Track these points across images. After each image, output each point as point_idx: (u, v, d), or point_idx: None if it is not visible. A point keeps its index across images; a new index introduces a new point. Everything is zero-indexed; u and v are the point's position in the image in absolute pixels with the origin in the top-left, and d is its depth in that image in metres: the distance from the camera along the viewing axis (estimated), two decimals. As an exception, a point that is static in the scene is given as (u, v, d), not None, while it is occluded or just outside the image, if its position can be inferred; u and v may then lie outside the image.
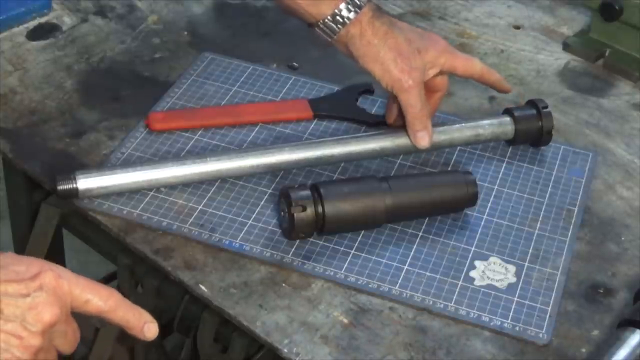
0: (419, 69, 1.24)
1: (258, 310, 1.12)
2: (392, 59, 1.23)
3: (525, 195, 1.28)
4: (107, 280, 1.57)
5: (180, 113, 1.36)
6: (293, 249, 1.19)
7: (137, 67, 1.45)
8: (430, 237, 1.22)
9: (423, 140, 1.27)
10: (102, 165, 1.28)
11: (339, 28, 1.23)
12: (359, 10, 1.22)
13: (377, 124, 1.36)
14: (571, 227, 1.25)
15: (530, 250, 1.21)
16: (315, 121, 1.37)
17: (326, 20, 1.23)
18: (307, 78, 1.44)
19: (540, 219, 1.25)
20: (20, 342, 0.89)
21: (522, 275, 1.18)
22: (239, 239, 1.19)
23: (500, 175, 1.31)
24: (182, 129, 1.33)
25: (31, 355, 0.90)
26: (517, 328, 1.12)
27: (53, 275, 0.92)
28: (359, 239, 1.20)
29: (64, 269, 0.95)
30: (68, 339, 0.95)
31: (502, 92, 1.36)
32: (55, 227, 1.31)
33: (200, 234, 1.20)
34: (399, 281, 1.16)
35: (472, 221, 1.24)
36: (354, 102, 1.40)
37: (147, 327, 0.97)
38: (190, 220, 1.21)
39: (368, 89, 1.41)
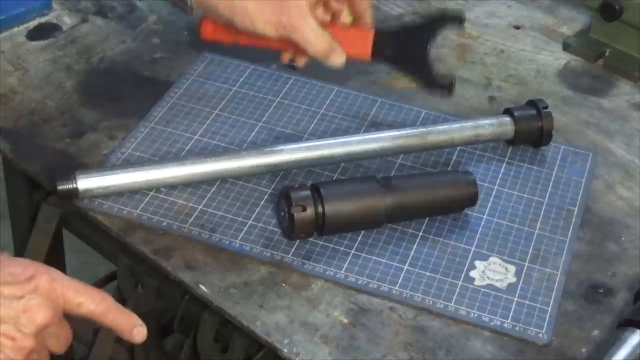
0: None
1: (258, 310, 1.12)
2: (262, 8, 1.17)
3: (525, 195, 1.28)
4: (107, 280, 1.58)
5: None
6: (293, 249, 1.19)
7: (137, 67, 1.45)
8: (430, 237, 1.22)
9: (336, 62, 1.22)
10: (102, 165, 1.28)
11: None
12: None
13: (438, 87, 1.25)
14: (571, 227, 1.25)
15: (530, 250, 1.21)
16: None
17: None
18: (307, 78, 1.44)
19: (540, 219, 1.25)
20: (14, 343, 0.91)
21: (522, 275, 1.18)
22: (239, 239, 1.19)
23: (500, 175, 1.31)
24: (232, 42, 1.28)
25: (23, 356, 0.92)
26: (517, 328, 1.12)
27: (47, 278, 0.94)
28: (359, 239, 1.20)
29: (59, 271, 0.96)
30: (60, 341, 0.96)
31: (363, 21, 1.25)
32: (55, 227, 1.31)
33: (200, 234, 1.20)
34: (399, 281, 1.16)
35: (472, 221, 1.24)
36: (426, 45, 1.23)
37: (136, 330, 1.00)
38: (190, 220, 1.21)
39: (457, 17, 1.24)
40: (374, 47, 1.22)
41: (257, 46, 1.26)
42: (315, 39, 1.19)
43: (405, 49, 1.22)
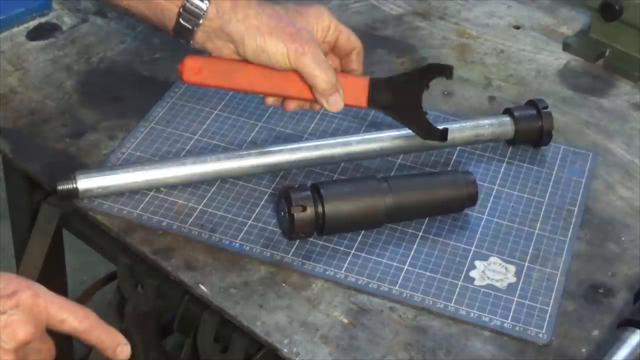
0: (306, 28, 1.17)
1: (258, 310, 1.12)
2: (276, 27, 1.15)
3: (525, 195, 1.28)
4: (107, 280, 1.58)
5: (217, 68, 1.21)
6: (293, 249, 1.19)
7: (137, 67, 1.45)
8: (430, 237, 1.22)
9: (337, 103, 1.19)
10: (102, 165, 1.28)
11: (206, 2, 1.15)
12: None
13: (432, 135, 1.25)
14: (571, 227, 1.25)
15: (530, 250, 1.21)
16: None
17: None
18: (307, 78, 1.44)
19: (540, 219, 1.25)
20: None
21: (522, 275, 1.18)
22: (239, 239, 1.19)
23: (500, 175, 1.31)
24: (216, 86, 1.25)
25: None
26: (517, 328, 1.12)
27: (30, 294, 0.93)
28: (359, 239, 1.20)
29: (42, 287, 0.96)
30: (42, 357, 0.96)
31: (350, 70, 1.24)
32: (55, 227, 1.31)
33: (200, 234, 1.20)
34: (399, 281, 1.16)
35: (472, 221, 1.24)
36: (419, 94, 1.23)
37: (120, 349, 0.99)
38: (190, 220, 1.21)
39: (447, 67, 1.23)
40: (368, 95, 1.22)
41: (242, 88, 1.21)
42: (323, 72, 1.17)
43: (399, 97, 1.23)
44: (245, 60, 1.18)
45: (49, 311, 0.94)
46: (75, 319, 0.96)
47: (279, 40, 1.15)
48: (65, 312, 0.95)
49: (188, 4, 1.15)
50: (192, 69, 1.21)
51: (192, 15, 1.16)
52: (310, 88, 1.18)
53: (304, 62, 1.16)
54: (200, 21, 1.16)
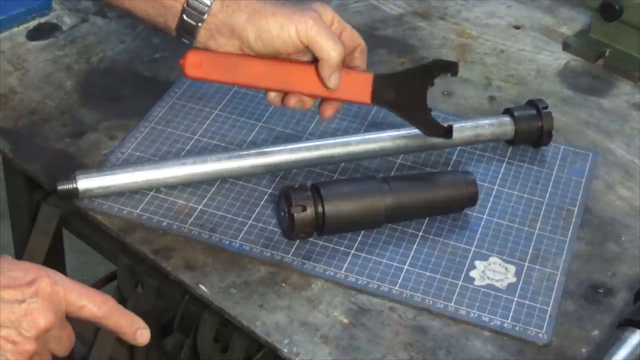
0: (314, 10, 1.15)
1: (258, 310, 1.12)
2: (280, 8, 1.14)
3: (525, 195, 1.28)
4: (107, 280, 1.57)
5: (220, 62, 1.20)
6: (293, 249, 1.19)
7: (137, 67, 1.45)
8: (430, 237, 1.22)
9: (336, 79, 1.17)
10: (102, 165, 1.28)
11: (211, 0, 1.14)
12: None
13: (437, 132, 1.23)
14: (571, 227, 1.25)
15: (530, 250, 1.21)
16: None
17: None
18: (307, 78, 1.43)
19: (540, 219, 1.25)
20: (15, 347, 0.91)
21: (522, 275, 1.18)
22: (239, 239, 1.19)
23: (500, 175, 1.31)
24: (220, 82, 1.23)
25: None
26: (517, 328, 1.12)
27: (49, 282, 0.94)
28: (359, 239, 1.20)
29: (60, 274, 0.96)
30: (62, 343, 0.97)
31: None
32: (55, 227, 1.31)
33: (200, 234, 1.20)
34: (399, 281, 1.16)
35: (472, 221, 1.24)
36: (424, 91, 1.21)
37: (139, 333, 1.00)
38: (190, 220, 1.21)
39: (452, 65, 1.22)
40: (373, 91, 1.20)
41: (245, 82, 1.20)
42: (335, 44, 1.15)
43: (403, 94, 1.21)
44: (249, 55, 1.17)
45: (68, 298, 0.95)
46: (94, 305, 0.96)
47: (283, 18, 1.13)
48: (84, 299, 0.96)
49: (192, 0, 1.15)
50: (195, 63, 1.19)
51: (196, 11, 1.16)
52: (316, 67, 1.16)
53: (316, 30, 1.13)
54: (205, 17, 1.15)
